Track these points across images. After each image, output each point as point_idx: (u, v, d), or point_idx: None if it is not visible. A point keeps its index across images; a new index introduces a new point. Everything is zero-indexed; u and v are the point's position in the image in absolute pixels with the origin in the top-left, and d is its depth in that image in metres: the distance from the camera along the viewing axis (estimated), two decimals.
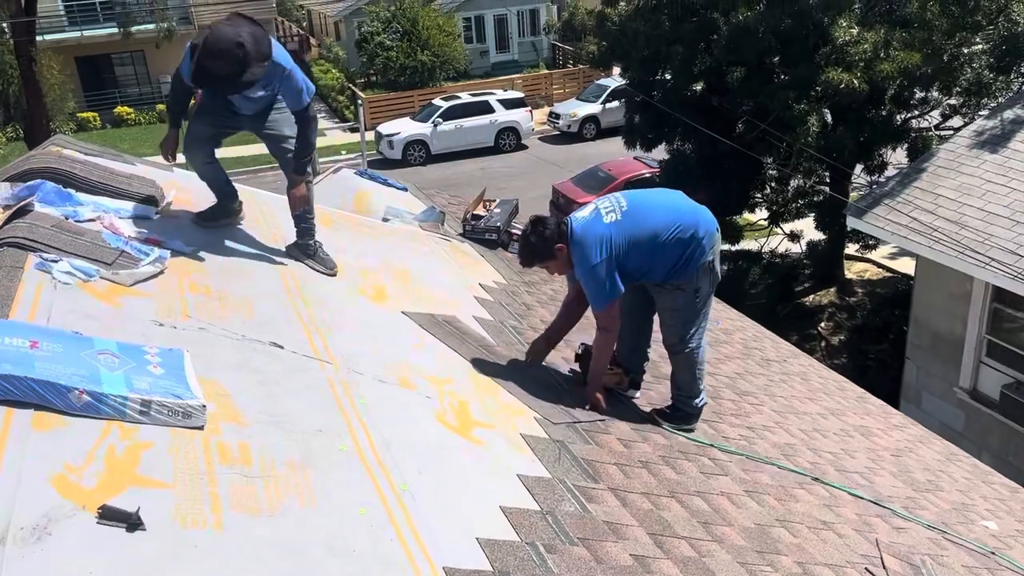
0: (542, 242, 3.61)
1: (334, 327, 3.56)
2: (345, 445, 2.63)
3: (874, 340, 12.23)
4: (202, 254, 3.79)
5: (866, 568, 3.16)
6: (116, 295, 3.13)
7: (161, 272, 3.41)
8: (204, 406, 2.45)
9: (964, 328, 9.94)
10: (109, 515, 1.93)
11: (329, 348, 3.32)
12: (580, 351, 3.99)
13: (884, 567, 3.21)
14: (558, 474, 2.96)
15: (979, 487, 4.82)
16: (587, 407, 3.65)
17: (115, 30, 28.70)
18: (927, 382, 10.68)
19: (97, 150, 4.69)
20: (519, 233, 6.28)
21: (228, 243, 4.10)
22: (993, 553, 3.78)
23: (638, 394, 4.06)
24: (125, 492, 2.05)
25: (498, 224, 6.15)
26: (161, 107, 29.47)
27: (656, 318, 3.88)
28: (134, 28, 28.69)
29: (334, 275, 4.09)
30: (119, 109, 29.34)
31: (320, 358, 3.20)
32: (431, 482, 2.61)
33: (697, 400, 3.81)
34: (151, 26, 28.69)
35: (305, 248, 4.14)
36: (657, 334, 3.99)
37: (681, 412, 3.82)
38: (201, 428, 2.42)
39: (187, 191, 4.44)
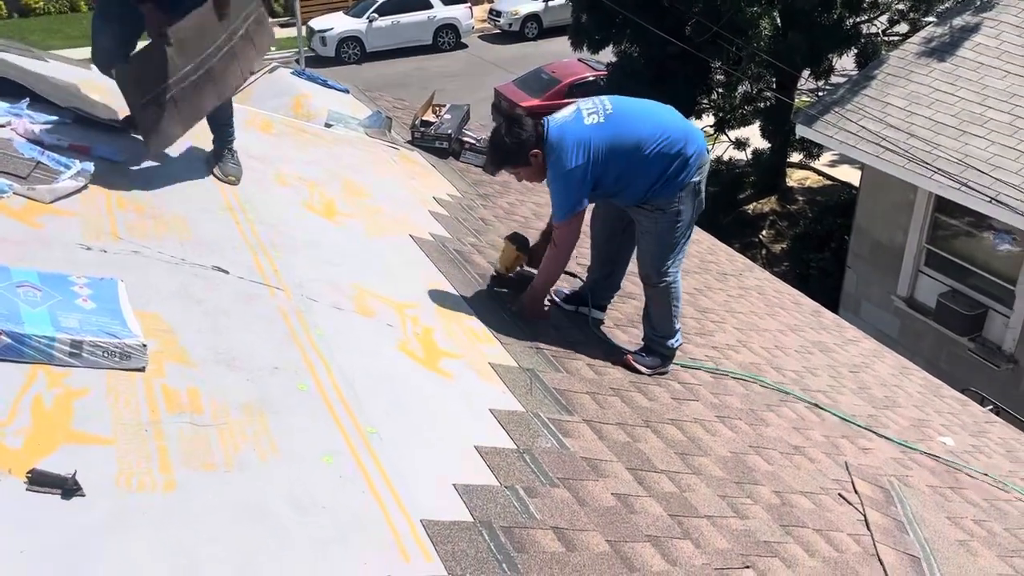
0: (517, 145, 3.22)
1: (282, 247, 3.27)
2: (305, 384, 2.40)
3: (816, 249, 12.32)
4: (130, 166, 3.42)
5: (839, 494, 3.11)
6: (33, 214, 2.77)
7: (84, 187, 3.05)
8: (144, 345, 2.17)
9: (905, 237, 10.07)
10: (40, 480, 1.68)
11: (279, 272, 3.04)
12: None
13: (856, 492, 3.17)
14: (531, 407, 2.79)
15: (932, 401, 4.86)
16: (522, 315, 3.42)
17: None
18: (866, 290, 10.87)
19: (2, 44, 4.19)
20: (476, 137, 5.96)
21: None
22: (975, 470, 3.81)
23: (603, 315, 3.87)
24: (58, 451, 1.79)
25: (449, 131, 5.80)
26: None
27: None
28: None
29: (232, 183, 3.65)
30: None
31: (269, 284, 2.93)
32: (400, 423, 2.41)
33: (672, 341, 3.49)
34: None
35: (215, 153, 3.73)
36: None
37: (655, 353, 3.52)
38: (142, 370, 2.15)
39: (109, 92, 4.00)
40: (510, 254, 3.64)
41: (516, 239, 3.66)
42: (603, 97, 3.32)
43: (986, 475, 3.87)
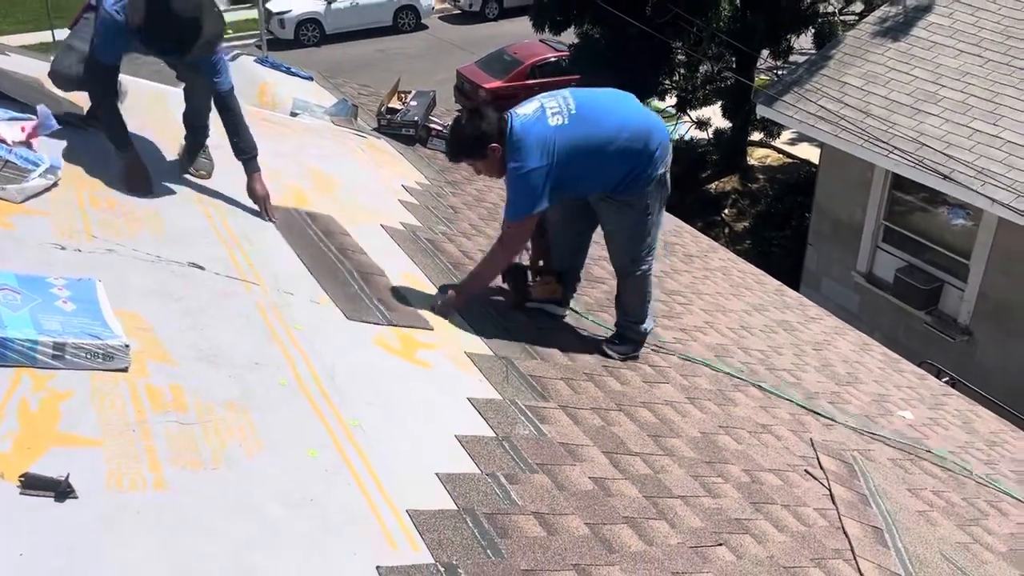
0: (476, 138, 3.15)
1: (255, 240, 3.29)
2: (285, 379, 2.44)
3: (777, 227, 12.53)
4: (99, 162, 3.39)
5: (806, 470, 3.23)
6: (5, 214, 2.76)
7: (55, 185, 3.04)
8: (127, 345, 2.19)
9: (863, 214, 10.28)
10: (33, 484, 1.70)
11: (254, 266, 3.06)
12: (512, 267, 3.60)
13: (821, 467, 3.29)
14: (508, 394, 2.85)
15: (892, 376, 5.02)
16: (437, 305, 3.26)
17: None
18: (827, 267, 11.09)
19: None
20: (443, 124, 5.96)
21: None
22: (933, 453, 3.95)
23: (564, 311, 3.84)
24: (47, 454, 1.82)
25: (415, 118, 5.81)
26: None
27: (593, 236, 3.62)
28: None
29: (203, 177, 3.64)
30: None
31: (245, 278, 2.95)
32: (381, 414, 2.46)
33: (644, 325, 3.55)
34: None
35: (187, 149, 3.69)
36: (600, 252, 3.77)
37: (627, 340, 3.55)
38: (125, 370, 2.17)
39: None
40: (554, 288, 3.62)
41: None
42: (567, 93, 3.25)
43: (944, 460, 4.02)
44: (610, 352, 3.52)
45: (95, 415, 1.99)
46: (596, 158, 3.17)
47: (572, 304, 3.84)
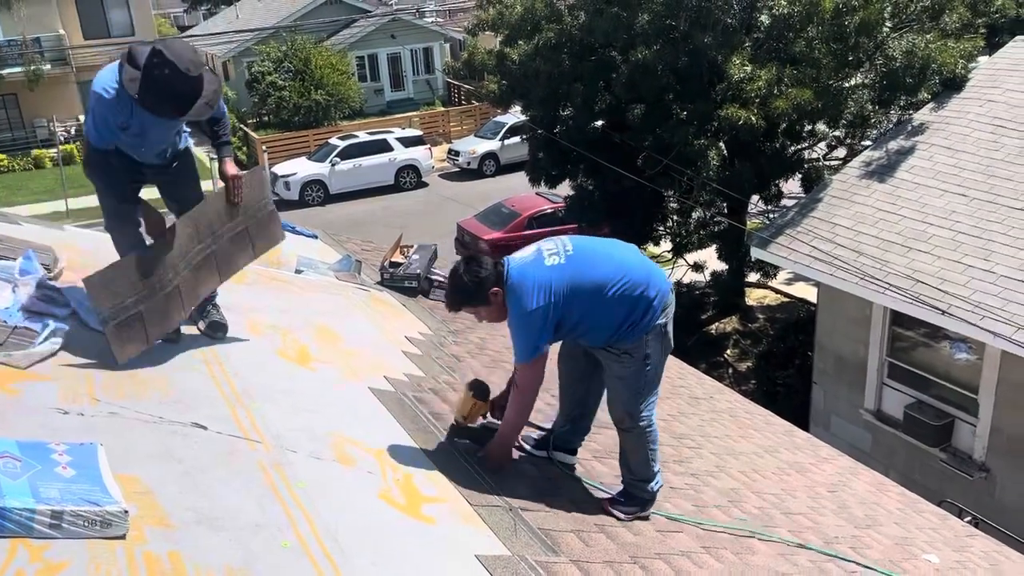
0: (476, 284, 3.14)
1: (259, 398, 3.28)
2: (288, 541, 2.36)
3: (780, 366, 12.51)
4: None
5: None
6: (9, 380, 2.77)
7: (60, 349, 3.06)
8: (126, 511, 2.14)
9: (866, 351, 10.28)
10: None
11: (256, 425, 3.03)
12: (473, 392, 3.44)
13: None
14: (516, 549, 2.76)
15: (912, 517, 4.87)
16: (486, 464, 3.26)
17: None
18: (834, 405, 10.98)
19: None
20: (444, 275, 6.09)
21: None
22: None
23: (574, 459, 3.71)
24: None
25: (417, 271, 5.94)
26: (37, 152, 27.93)
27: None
28: (4, 71, 27.34)
29: (219, 338, 3.72)
30: None
31: (248, 437, 2.92)
32: None
33: (652, 484, 3.35)
34: (19, 69, 27.35)
35: (198, 308, 3.76)
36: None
37: (634, 499, 3.37)
38: (123, 537, 2.11)
39: (83, 252, 4.06)
40: (468, 403, 3.40)
41: (475, 387, 3.42)
42: (565, 238, 3.29)
43: None
44: (616, 513, 3.34)
45: None
46: (595, 301, 3.14)
47: (579, 452, 3.78)
